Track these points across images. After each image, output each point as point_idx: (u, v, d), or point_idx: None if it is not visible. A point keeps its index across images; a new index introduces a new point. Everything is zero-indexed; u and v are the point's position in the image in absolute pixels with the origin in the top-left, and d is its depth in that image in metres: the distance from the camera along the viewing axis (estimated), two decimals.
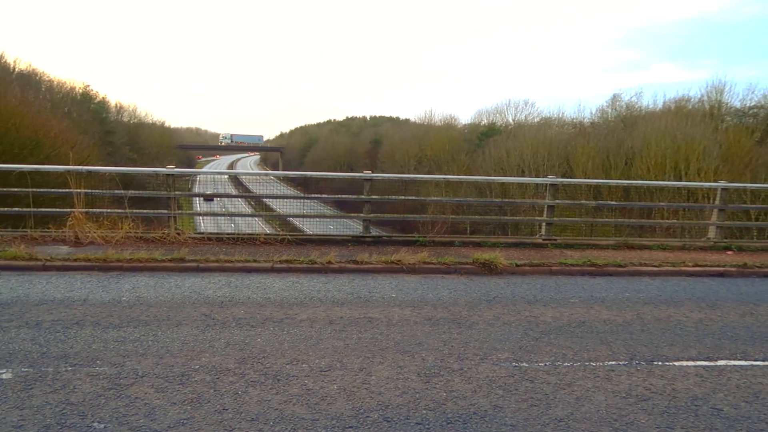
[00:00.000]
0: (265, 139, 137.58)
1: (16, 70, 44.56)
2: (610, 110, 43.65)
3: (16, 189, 10.09)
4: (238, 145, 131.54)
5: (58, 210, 10.29)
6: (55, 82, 52.17)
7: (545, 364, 5.08)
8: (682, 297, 7.64)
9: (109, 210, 9.75)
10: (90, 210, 9.52)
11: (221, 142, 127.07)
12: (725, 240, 11.26)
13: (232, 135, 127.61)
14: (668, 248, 10.65)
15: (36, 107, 34.97)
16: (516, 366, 5.02)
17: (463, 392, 4.46)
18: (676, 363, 5.25)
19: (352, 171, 50.20)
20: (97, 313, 5.99)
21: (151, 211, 10.20)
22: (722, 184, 11.53)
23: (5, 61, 42.32)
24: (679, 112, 34.32)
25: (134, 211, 9.70)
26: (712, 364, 5.28)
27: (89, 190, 9.60)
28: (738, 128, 31.72)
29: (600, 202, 16.43)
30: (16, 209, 10.01)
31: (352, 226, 11.61)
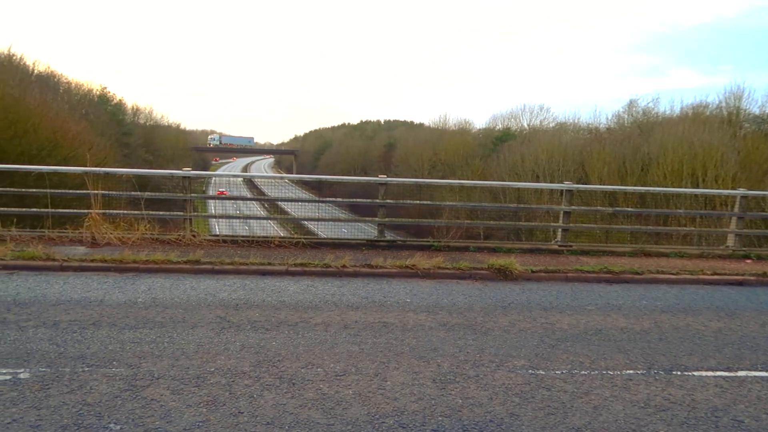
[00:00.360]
0: (277, 142, 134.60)
1: (35, 71, 45.13)
2: (626, 116, 43.19)
3: (34, 189, 10.18)
4: (255, 148, 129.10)
5: (75, 211, 10.39)
6: (73, 84, 52.65)
7: (562, 372, 5.03)
8: (701, 305, 7.54)
9: (125, 211, 9.83)
10: (107, 211, 9.60)
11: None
12: (744, 248, 11.11)
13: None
14: (686, 256, 10.52)
15: (54, 109, 35.34)
16: (532, 373, 4.97)
17: (479, 399, 4.42)
18: (696, 373, 5.18)
19: (366, 174, 50.29)
20: (114, 314, 6.03)
21: (167, 212, 10.28)
22: (741, 191, 11.38)
23: (24, 63, 42.86)
24: (696, 119, 33.92)
25: (150, 212, 9.78)
26: (732, 374, 5.19)
27: (106, 192, 9.68)
28: (757, 135, 31.29)
29: (616, 208, 16.25)
30: (35, 210, 10.09)
31: (366, 230, 11.63)
